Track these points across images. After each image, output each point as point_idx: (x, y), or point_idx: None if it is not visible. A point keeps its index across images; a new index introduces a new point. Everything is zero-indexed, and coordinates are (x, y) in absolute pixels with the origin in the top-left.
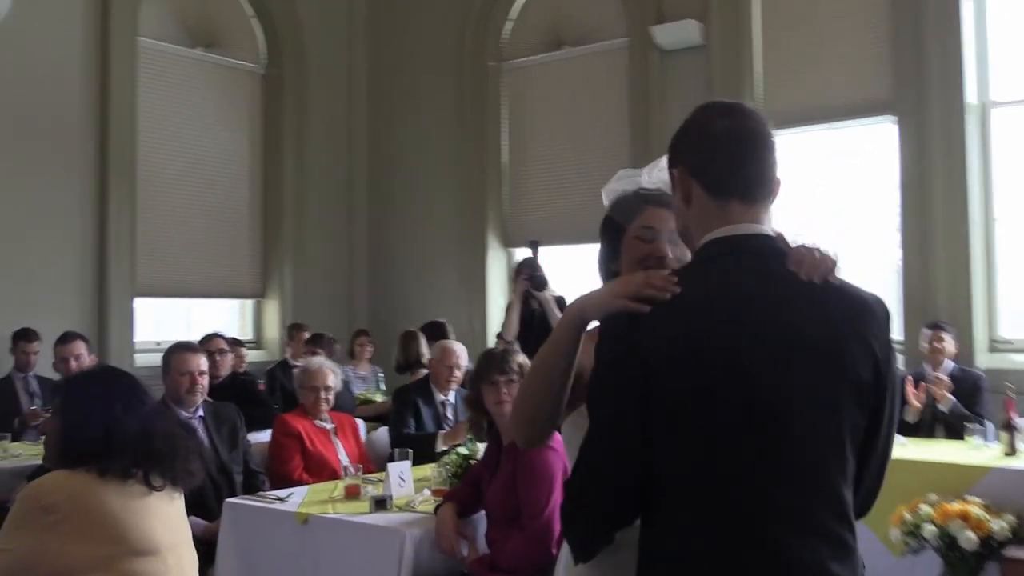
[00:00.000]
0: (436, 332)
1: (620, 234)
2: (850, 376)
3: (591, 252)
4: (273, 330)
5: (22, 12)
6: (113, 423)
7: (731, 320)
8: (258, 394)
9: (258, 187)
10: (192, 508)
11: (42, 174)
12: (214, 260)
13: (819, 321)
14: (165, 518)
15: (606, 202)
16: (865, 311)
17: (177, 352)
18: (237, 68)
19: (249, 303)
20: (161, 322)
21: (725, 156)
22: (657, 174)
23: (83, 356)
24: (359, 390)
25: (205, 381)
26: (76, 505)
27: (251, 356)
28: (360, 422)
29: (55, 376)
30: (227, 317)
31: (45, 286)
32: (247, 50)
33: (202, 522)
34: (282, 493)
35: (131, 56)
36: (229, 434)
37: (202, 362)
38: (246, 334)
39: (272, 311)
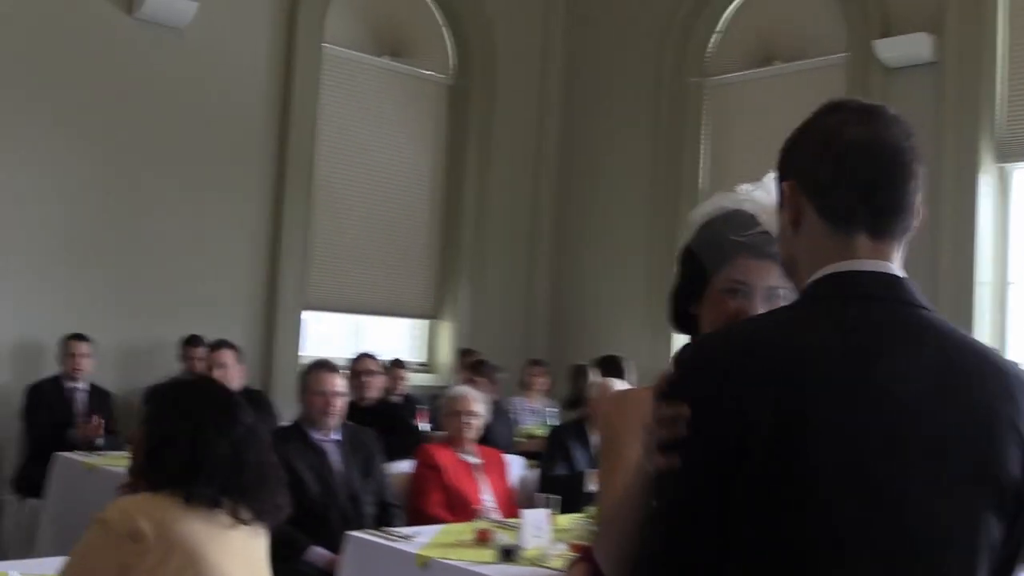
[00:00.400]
0: (611, 368)
1: (704, 278)
2: (993, 472)
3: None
4: (446, 354)
5: (208, 17)
6: (203, 443)
7: (833, 381)
8: (406, 421)
9: (438, 204)
10: (318, 537)
11: (219, 181)
12: (388, 276)
13: (957, 396)
14: (246, 557)
15: (693, 230)
16: (1019, 388)
17: (314, 371)
18: (423, 78)
19: (424, 324)
20: (331, 337)
21: (855, 176)
22: (759, 193)
23: (229, 366)
24: (528, 423)
25: (342, 403)
26: (162, 535)
27: (421, 380)
28: (519, 459)
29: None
30: (401, 337)
31: (216, 293)
32: (435, 60)
33: (326, 553)
34: (409, 531)
35: (315, 63)
36: (364, 462)
37: (340, 383)
38: (419, 356)
39: (446, 334)
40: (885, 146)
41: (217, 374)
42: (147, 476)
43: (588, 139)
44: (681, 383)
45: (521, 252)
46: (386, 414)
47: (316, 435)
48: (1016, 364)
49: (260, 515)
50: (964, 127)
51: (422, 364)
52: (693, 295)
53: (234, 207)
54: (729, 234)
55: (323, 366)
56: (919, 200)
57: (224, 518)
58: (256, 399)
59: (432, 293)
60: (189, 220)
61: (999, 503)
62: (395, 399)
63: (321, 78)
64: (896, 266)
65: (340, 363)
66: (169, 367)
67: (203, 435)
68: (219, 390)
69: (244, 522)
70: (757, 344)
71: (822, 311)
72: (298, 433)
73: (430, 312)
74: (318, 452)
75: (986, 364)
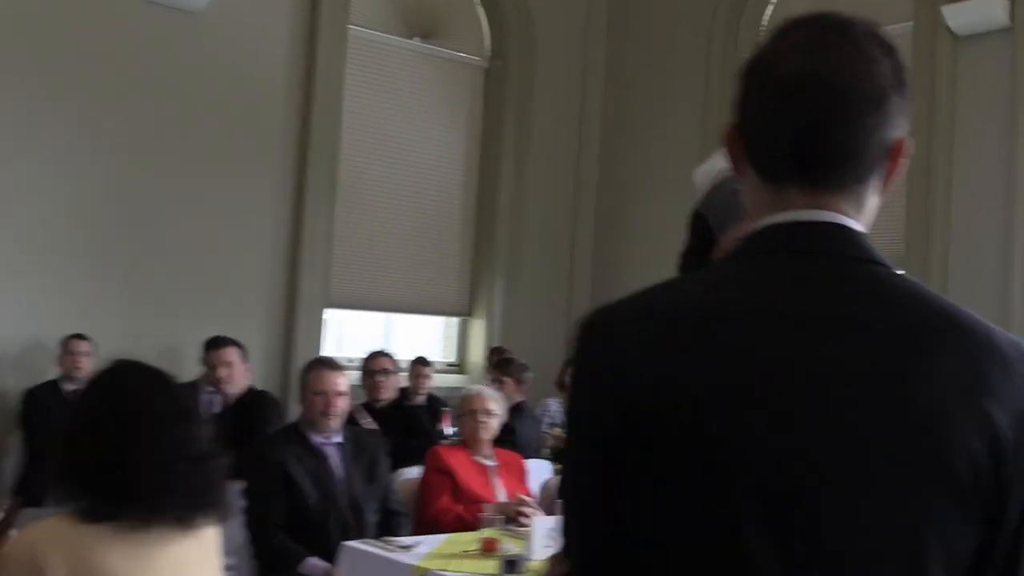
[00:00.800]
0: None
1: (712, 240)
2: (945, 459)
3: None
4: (478, 353)
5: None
6: (119, 447)
7: (746, 350)
8: (422, 423)
9: (472, 194)
10: (316, 547)
11: (237, 171)
12: (417, 272)
13: (902, 367)
14: (180, 570)
15: (698, 189)
16: (990, 359)
17: (314, 369)
18: (457, 61)
19: (454, 321)
20: (359, 336)
21: (783, 118)
22: None
23: (235, 364)
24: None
25: (344, 403)
26: (75, 569)
27: (452, 380)
28: (546, 463)
29: None
30: (433, 336)
31: (233, 290)
32: (469, 41)
33: (322, 564)
34: (411, 540)
35: (340, 46)
36: (368, 466)
37: (342, 382)
38: (450, 356)
39: (478, 332)
40: (827, 79)
41: (221, 374)
42: (62, 494)
43: (634, 123)
44: (575, 354)
45: (561, 246)
46: (402, 416)
47: (316, 438)
48: (1000, 333)
49: (198, 517)
50: None
51: (453, 364)
52: (701, 260)
53: (253, 200)
54: (736, 190)
55: (323, 364)
56: (889, 135)
57: (149, 531)
58: (260, 400)
59: (465, 289)
60: (205, 214)
61: (961, 502)
62: (418, 400)
63: (347, 62)
64: (848, 217)
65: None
66: (180, 369)
67: (120, 435)
68: (138, 371)
69: (182, 526)
70: (653, 308)
71: (740, 269)
72: (297, 436)
73: (463, 309)
74: (318, 456)
75: (952, 331)
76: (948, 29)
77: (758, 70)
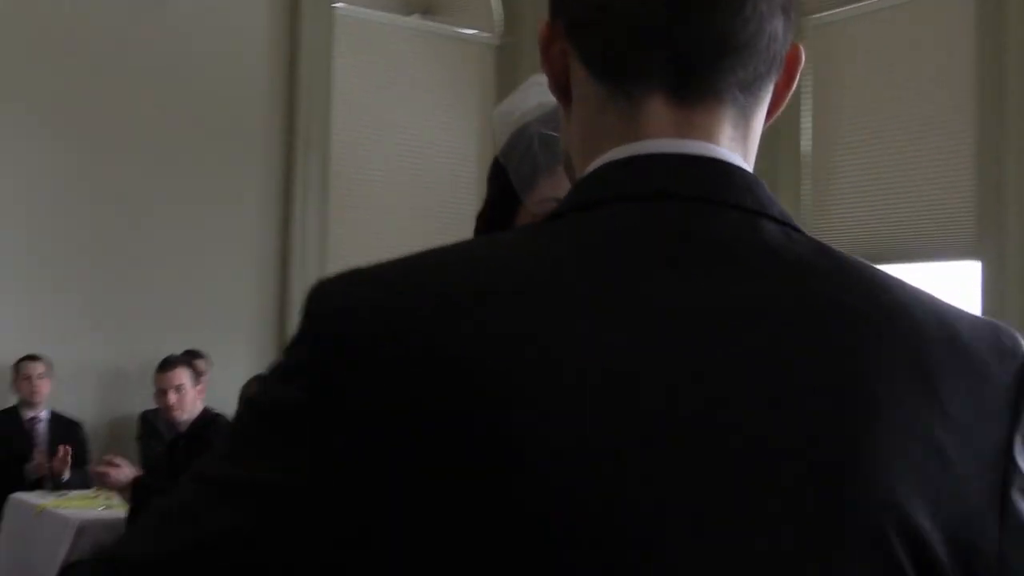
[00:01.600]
0: None
1: (514, 199)
2: (872, 514)
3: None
4: None
5: None
6: None
7: (587, 347)
8: None
9: (485, 186)
10: None
11: (217, 172)
12: None
13: (817, 378)
14: None
15: (498, 134)
16: (950, 360)
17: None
18: (464, 39)
19: None
20: None
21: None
22: None
23: (186, 387)
24: None
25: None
26: None
27: None
28: None
29: None
30: None
31: (219, 304)
32: (477, 16)
33: None
34: None
35: (326, 28)
36: None
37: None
38: None
39: None
40: None
41: (171, 399)
42: None
43: None
44: (292, 353)
45: None
46: None
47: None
48: (967, 320)
49: None
50: None
51: None
52: (502, 221)
53: (235, 202)
54: (542, 137)
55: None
56: (783, 34)
57: None
58: (214, 425)
59: None
60: (182, 219)
61: (897, 562)
62: None
63: (334, 46)
64: (727, 148)
65: None
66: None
67: None
68: None
69: None
70: (424, 287)
71: (564, 231)
72: None
73: None
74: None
75: (893, 320)
76: None
77: None
